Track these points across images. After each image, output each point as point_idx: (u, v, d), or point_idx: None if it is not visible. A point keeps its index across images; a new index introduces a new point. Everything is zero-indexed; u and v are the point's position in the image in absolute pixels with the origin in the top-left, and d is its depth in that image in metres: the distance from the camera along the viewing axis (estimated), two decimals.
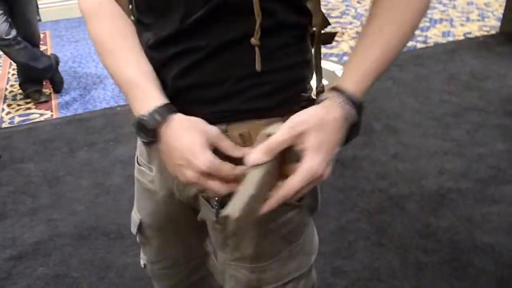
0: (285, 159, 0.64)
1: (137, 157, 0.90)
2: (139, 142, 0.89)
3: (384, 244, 1.84)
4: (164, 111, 0.66)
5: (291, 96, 0.72)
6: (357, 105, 0.65)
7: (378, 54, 0.67)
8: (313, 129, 0.61)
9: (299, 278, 0.83)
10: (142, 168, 0.88)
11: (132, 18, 0.74)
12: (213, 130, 0.67)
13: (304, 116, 0.63)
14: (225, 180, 0.65)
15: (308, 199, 0.77)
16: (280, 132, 0.62)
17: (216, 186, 0.65)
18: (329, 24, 0.74)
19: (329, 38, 0.76)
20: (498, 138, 2.47)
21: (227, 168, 0.65)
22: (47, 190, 2.20)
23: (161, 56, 0.71)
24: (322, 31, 0.74)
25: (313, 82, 0.77)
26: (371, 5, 0.70)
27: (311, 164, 0.61)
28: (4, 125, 2.81)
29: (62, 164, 2.39)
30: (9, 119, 2.89)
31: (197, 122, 0.67)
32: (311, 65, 0.76)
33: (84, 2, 0.74)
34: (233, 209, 0.61)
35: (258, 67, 0.67)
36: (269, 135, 0.63)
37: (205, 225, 0.89)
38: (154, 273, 1.04)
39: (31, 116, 2.90)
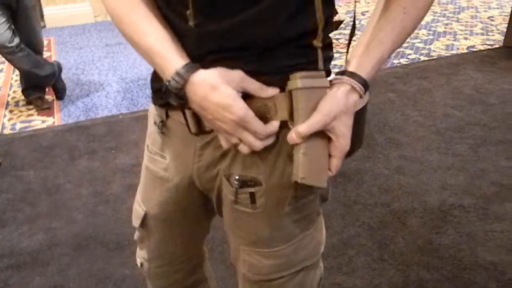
0: None
1: (148, 146, 0.91)
2: (149, 130, 0.90)
3: (386, 260, 1.82)
4: (186, 72, 0.68)
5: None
6: (368, 88, 0.73)
7: (384, 51, 0.73)
8: (339, 116, 0.70)
9: (310, 268, 0.85)
10: (154, 156, 0.89)
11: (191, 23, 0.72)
12: (237, 75, 0.68)
13: (333, 104, 0.70)
14: (259, 136, 0.69)
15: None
16: (315, 118, 0.69)
17: (251, 138, 0.69)
18: (337, 12, 0.79)
19: (338, 24, 0.80)
20: (502, 154, 2.46)
21: (258, 123, 0.69)
22: (46, 198, 2.19)
23: (200, 50, 0.71)
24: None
25: None
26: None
27: (344, 147, 0.72)
28: (5, 131, 2.81)
29: (63, 172, 2.38)
30: (11, 125, 2.88)
31: (219, 74, 0.68)
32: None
33: None
34: (295, 173, 0.71)
35: (321, 65, 0.73)
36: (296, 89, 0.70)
37: (209, 221, 0.91)
38: (150, 271, 1.03)
39: (33, 123, 2.89)
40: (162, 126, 0.84)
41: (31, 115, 2.99)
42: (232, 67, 0.69)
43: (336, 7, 0.77)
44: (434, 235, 1.93)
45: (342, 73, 0.72)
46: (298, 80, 0.68)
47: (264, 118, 0.70)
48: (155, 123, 0.86)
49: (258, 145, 0.70)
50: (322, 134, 0.71)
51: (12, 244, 1.93)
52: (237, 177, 0.76)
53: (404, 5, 0.71)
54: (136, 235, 1.01)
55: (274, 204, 0.77)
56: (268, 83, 0.70)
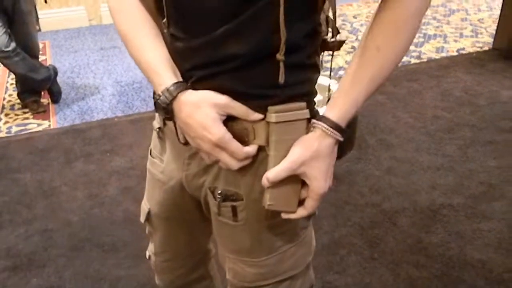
0: None
1: (151, 150, 0.96)
2: (153, 134, 0.95)
3: (376, 259, 1.86)
4: (175, 90, 0.73)
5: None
6: (343, 131, 0.73)
7: (360, 91, 0.73)
8: (309, 162, 0.72)
9: (296, 277, 0.88)
10: (154, 160, 0.95)
11: (165, 30, 0.79)
12: (223, 99, 0.72)
13: (302, 150, 0.72)
14: (236, 157, 0.74)
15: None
16: (282, 166, 0.73)
17: (227, 159, 0.74)
18: (339, 32, 0.80)
19: (339, 45, 0.81)
20: (490, 154, 2.51)
21: (236, 145, 0.73)
22: (42, 200, 2.22)
23: (187, 64, 0.76)
24: (332, 39, 0.80)
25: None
26: (364, 36, 0.74)
27: (317, 190, 0.74)
28: (1, 135, 2.83)
29: (58, 175, 2.40)
30: (7, 128, 2.90)
31: (206, 96, 0.73)
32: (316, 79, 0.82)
33: (111, 1, 0.82)
34: (264, 200, 0.76)
35: (281, 79, 0.72)
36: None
37: (209, 221, 0.94)
38: (156, 265, 1.09)
39: (28, 126, 2.91)
40: (159, 131, 0.91)
41: (27, 118, 3.01)
42: (218, 83, 0.73)
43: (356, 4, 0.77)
44: (424, 234, 1.98)
45: (320, 117, 0.74)
46: (273, 115, 0.72)
47: (243, 141, 0.75)
48: (155, 129, 0.93)
49: (235, 164, 0.74)
50: None
51: (9, 246, 1.95)
52: (220, 191, 0.81)
53: (378, 44, 0.71)
54: (147, 229, 1.07)
55: (255, 218, 0.81)
56: (253, 106, 0.74)
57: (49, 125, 2.93)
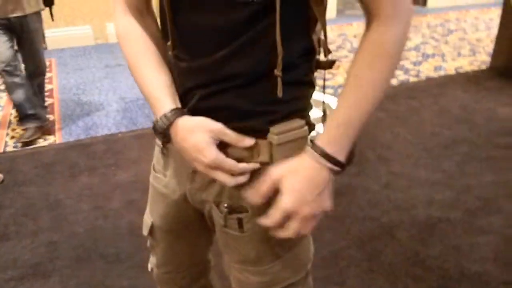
0: None
1: (154, 165, 1.01)
2: (156, 150, 1.00)
3: (375, 271, 1.89)
4: (172, 115, 0.79)
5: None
6: (327, 155, 0.74)
7: (346, 118, 0.75)
8: (287, 176, 0.75)
9: (296, 284, 0.92)
10: (157, 174, 0.99)
11: (169, 52, 0.86)
12: (217, 126, 0.78)
13: (281, 167, 0.76)
14: (231, 173, 0.78)
15: None
16: (263, 179, 0.77)
17: (223, 177, 0.78)
18: (330, 52, 0.85)
19: (331, 64, 0.86)
20: (487, 170, 2.56)
21: (230, 163, 0.77)
22: (48, 213, 2.27)
23: (190, 83, 0.82)
24: (324, 59, 0.85)
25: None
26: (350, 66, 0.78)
27: (284, 204, 0.75)
28: (8, 149, 2.89)
29: (63, 188, 2.45)
30: (13, 143, 2.96)
31: (201, 122, 0.78)
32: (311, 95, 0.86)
33: (117, 30, 0.89)
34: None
35: (279, 93, 0.76)
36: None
37: (211, 232, 0.98)
38: (159, 277, 1.12)
39: (34, 141, 2.97)
40: (163, 148, 0.95)
41: None
42: (221, 101, 0.78)
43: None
44: (422, 247, 2.01)
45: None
46: (275, 137, 0.78)
47: (242, 160, 0.79)
48: (158, 145, 0.97)
49: (231, 182, 0.78)
50: None
51: (15, 257, 1.99)
52: (225, 205, 0.85)
53: (356, 72, 0.75)
54: (148, 243, 1.10)
55: (260, 228, 0.84)
56: (256, 124, 0.78)
57: (55, 140, 2.99)
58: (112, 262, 1.95)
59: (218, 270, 1.20)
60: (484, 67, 4.06)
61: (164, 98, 0.81)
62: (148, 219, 1.05)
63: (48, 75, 3.99)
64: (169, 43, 0.85)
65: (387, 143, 2.84)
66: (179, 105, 0.82)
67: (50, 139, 3.00)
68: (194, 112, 0.80)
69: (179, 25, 0.80)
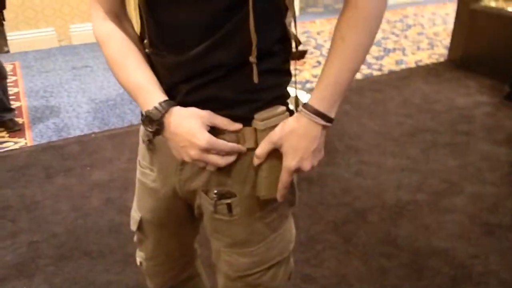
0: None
1: (139, 161, 1.04)
2: (140, 146, 1.03)
3: (350, 252, 2.00)
4: (166, 105, 0.83)
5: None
6: (319, 113, 0.82)
7: (334, 78, 0.82)
8: (286, 138, 0.83)
9: (280, 263, 0.99)
10: (144, 170, 1.02)
11: (146, 50, 0.89)
12: (207, 113, 0.83)
13: (279, 130, 0.83)
14: (221, 154, 0.83)
15: (287, 195, 0.93)
16: (264, 141, 0.84)
17: (215, 159, 0.83)
18: (300, 43, 0.91)
19: (302, 54, 0.93)
20: (449, 155, 2.72)
21: (222, 142, 0.83)
22: (26, 214, 2.26)
23: (175, 78, 0.86)
24: (295, 49, 0.91)
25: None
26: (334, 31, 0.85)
27: (289, 163, 0.84)
28: None
29: (40, 190, 2.45)
30: None
31: (193, 110, 0.83)
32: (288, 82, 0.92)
33: (97, 32, 0.91)
34: (258, 191, 0.89)
35: (256, 79, 0.81)
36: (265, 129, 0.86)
37: (198, 222, 1.03)
38: (149, 270, 1.16)
39: (4, 145, 2.94)
40: (149, 143, 0.98)
41: (2, 137, 3.03)
42: (206, 93, 0.83)
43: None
44: (392, 228, 2.14)
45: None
46: (259, 123, 0.84)
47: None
48: (143, 141, 1.00)
49: (222, 162, 0.84)
50: (280, 157, 0.85)
51: None
52: (215, 191, 0.90)
53: (342, 35, 0.80)
54: (135, 238, 1.14)
55: (248, 211, 0.91)
56: (240, 113, 0.84)
57: (26, 143, 2.96)
58: (96, 258, 1.98)
59: (204, 259, 1.28)
60: (442, 59, 4.27)
61: (155, 90, 0.84)
62: (136, 214, 1.08)
63: (12, 78, 3.92)
64: (145, 41, 0.88)
65: (355, 133, 2.96)
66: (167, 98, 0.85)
67: (21, 142, 2.97)
68: (182, 105, 0.84)
69: (158, 21, 0.83)
